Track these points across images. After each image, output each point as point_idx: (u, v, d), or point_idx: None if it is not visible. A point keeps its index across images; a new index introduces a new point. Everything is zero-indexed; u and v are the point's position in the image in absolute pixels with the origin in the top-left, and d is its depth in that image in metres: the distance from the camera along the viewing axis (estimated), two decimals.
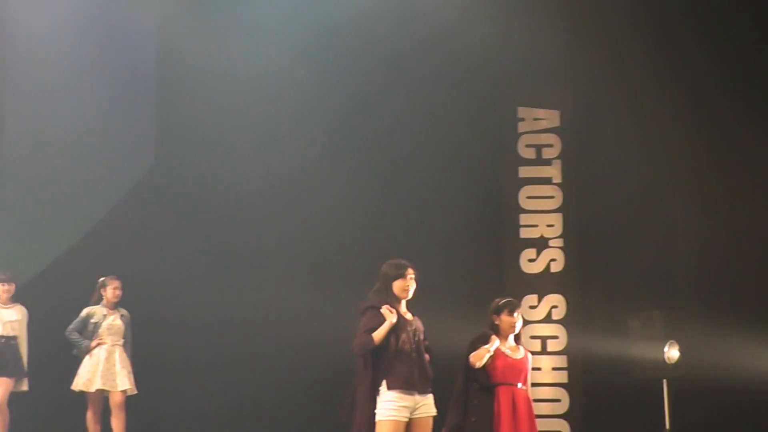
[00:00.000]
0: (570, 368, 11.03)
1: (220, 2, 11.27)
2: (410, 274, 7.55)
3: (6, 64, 11.22)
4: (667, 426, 9.68)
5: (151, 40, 11.48)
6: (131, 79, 11.50)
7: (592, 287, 11.05)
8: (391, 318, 7.36)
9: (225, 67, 11.06)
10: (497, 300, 8.10)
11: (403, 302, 7.57)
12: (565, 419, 10.90)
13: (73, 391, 9.81)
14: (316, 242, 10.90)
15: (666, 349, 9.64)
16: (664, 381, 9.72)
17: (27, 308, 10.10)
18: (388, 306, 7.42)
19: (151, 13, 11.20)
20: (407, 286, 7.52)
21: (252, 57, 11.06)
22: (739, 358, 9.92)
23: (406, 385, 7.35)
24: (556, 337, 11.10)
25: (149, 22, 11.38)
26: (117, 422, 9.85)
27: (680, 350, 9.59)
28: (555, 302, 11.18)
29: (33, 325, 10.02)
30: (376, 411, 7.32)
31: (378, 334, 7.35)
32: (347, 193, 10.93)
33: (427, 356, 7.55)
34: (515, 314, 8.02)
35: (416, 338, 7.48)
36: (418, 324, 7.59)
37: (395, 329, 7.37)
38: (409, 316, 7.57)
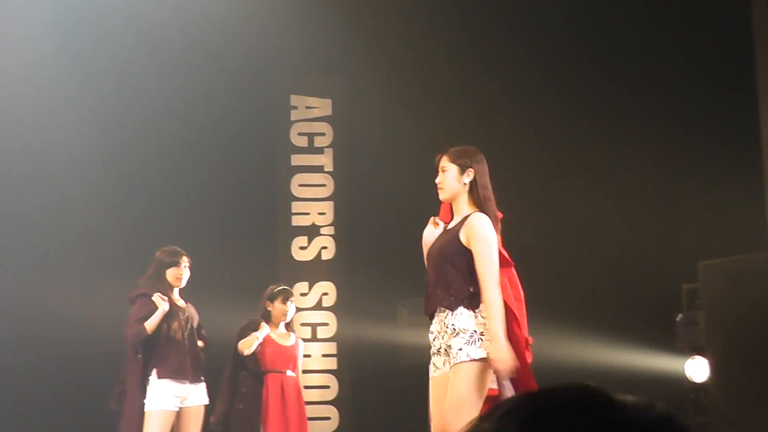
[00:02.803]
0: (339, 355, 11.14)
1: None
2: (184, 262, 7.52)
3: None
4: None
5: None
6: None
7: (361, 274, 11.19)
8: (163, 306, 7.31)
9: None
10: (272, 287, 8.17)
11: (176, 290, 7.53)
12: (334, 405, 11.00)
13: None
14: (88, 228, 10.59)
15: None
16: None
17: None
18: (160, 293, 7.36)
19: None
20: (181, 274, 7.49)
21: (20, 53, 10.54)
22: None
23: (177, 374, 7.32)
24: (326, 324, 11.20)
25: None
26: None
27: None
28: (325, 289, 11.27)
29: None
30: (145, 401, 7.26)
31: (150, 323, 7.28)
32: (121, 179, 10.69)
33: (201, 343, 7.53)
34: (288, 302, 8.10)
35: (189, 326, 7.45)
36: (192, 312, 7.56)
37: (167, 317, 7.34)
38: (182, 303, 7.53)
